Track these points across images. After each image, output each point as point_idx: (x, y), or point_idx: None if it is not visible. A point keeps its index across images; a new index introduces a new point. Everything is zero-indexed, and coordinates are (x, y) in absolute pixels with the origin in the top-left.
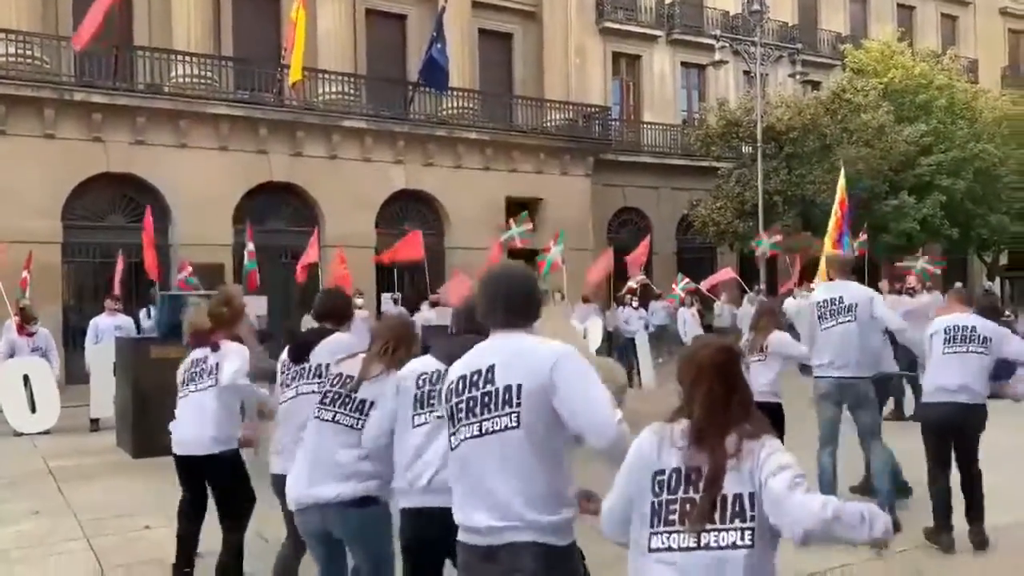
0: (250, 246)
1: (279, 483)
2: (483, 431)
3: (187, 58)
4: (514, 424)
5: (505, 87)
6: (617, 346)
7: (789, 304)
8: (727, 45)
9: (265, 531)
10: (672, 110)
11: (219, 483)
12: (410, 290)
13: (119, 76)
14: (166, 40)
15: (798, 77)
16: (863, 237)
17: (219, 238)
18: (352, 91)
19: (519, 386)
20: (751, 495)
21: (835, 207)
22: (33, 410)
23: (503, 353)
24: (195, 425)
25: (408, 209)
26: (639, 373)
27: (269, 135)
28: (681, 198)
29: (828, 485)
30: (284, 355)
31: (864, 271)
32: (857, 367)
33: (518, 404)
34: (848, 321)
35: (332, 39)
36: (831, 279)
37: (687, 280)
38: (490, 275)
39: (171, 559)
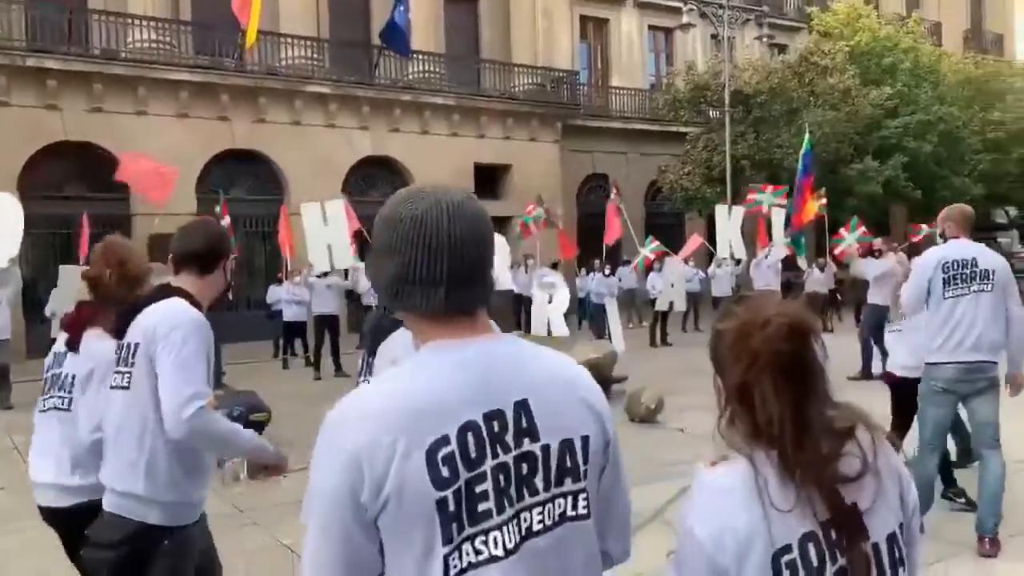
0: (226, 221)
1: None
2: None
3: (144, 22)
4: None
5: (472, 51)
6: (588, 312)
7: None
8: (695, 8)
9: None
10: (640, 74)
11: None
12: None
13: (73, 41)
14: (121, 4)
15: (765, 40)
16: (823, 201)
17: (182, 207)
18: (315, 55)
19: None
20: (901, 527)
21: (798, 177)
22: None
23: None
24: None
25: (374, 176)
26: (610, 339)
27: (230, 101)
28: (650, 164)
29: (928, 500)
30: None
31: (825, 233)
32: (990, 349)
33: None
34: (982, 290)
35: (294, 2)
36: (944, 236)
37: (656, 243)
38: None
39: None
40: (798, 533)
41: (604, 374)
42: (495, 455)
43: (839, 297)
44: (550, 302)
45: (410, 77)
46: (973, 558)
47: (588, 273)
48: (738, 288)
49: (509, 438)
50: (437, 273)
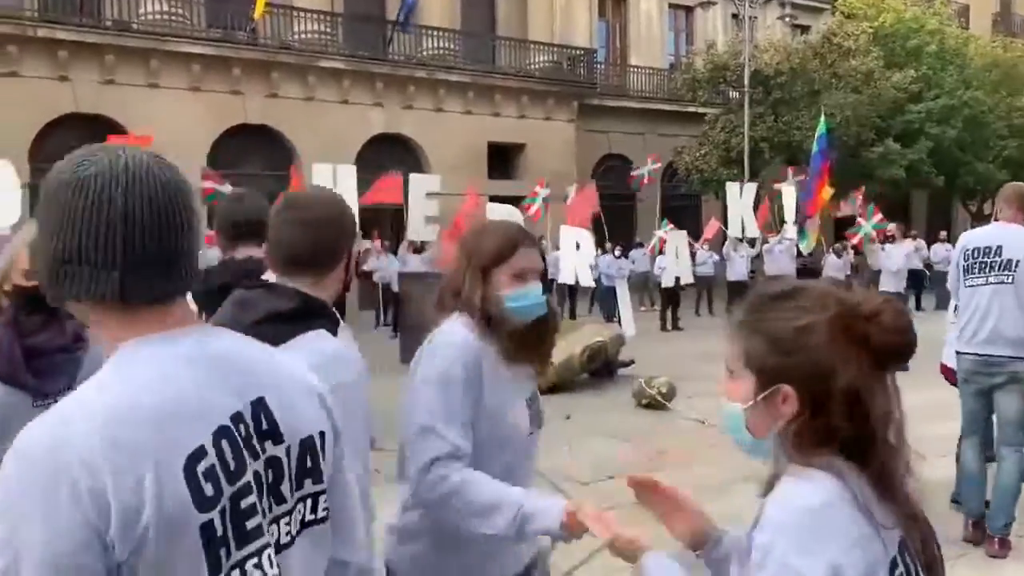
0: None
1: None
2: None
3: None
4: None
5: (487, 27)
6: (598, 295)
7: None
8: None
9: None
10: (659, 54)
11: None
12: (390, 235)
13: (85, 12)
14: None
15: (787, 20)
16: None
17: (193, 182)
18: (329, 30)
19: None
20: None
21: (814, 162)
22: None
23: None
24: None
25: (387, 153)
26: (620, 322)
27: (243, 75)
28: (667, 144)
29: (976, 490)
30: None
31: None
32: (1009, 343)
33: None
34: (1001, 281)
35: None
36: (995, 218)
37: (671, 226)
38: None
39: None
40: (895, 548)
41: (609, 357)
42: (253, 460)
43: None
44: (577, 250)
45: (425, 54)
46: (982, 558)
47: (602, 254)
48: (754, 273)
49: (255, 442)
50: (110, 253)
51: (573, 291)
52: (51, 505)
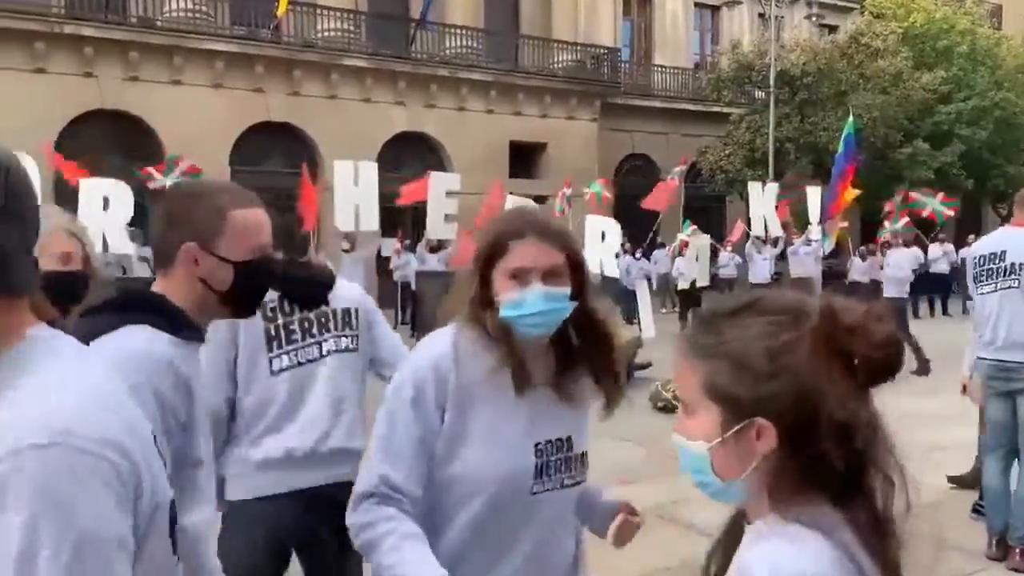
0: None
1: None
2: None
3: None
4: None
5: (511, 26)
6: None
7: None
8: None
9: None
10: (684, 53)
11: None
12: (413, 235)
13: (110, 9)
14: None
15: (814, 19)
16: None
17: (216, 178)
18: (352, 28)
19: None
20: None
21: (839, 162)
22: None
23: None
24: None
25: (409, 152)
26: (639, 324)
27: (266, 73)
28: (691, 145)
29: (999, 506)
30: None
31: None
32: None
33: None
34: (1010, 287)
35: None
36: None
37: (694, 228)
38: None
39: None
40: None
41: (626, 359)
42: None
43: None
44: (603, 240)
45: (447, 52)
46: (1002, 572)
47: (622, 255)
48: (779, 275)
49: None
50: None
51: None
52: (102, 490)
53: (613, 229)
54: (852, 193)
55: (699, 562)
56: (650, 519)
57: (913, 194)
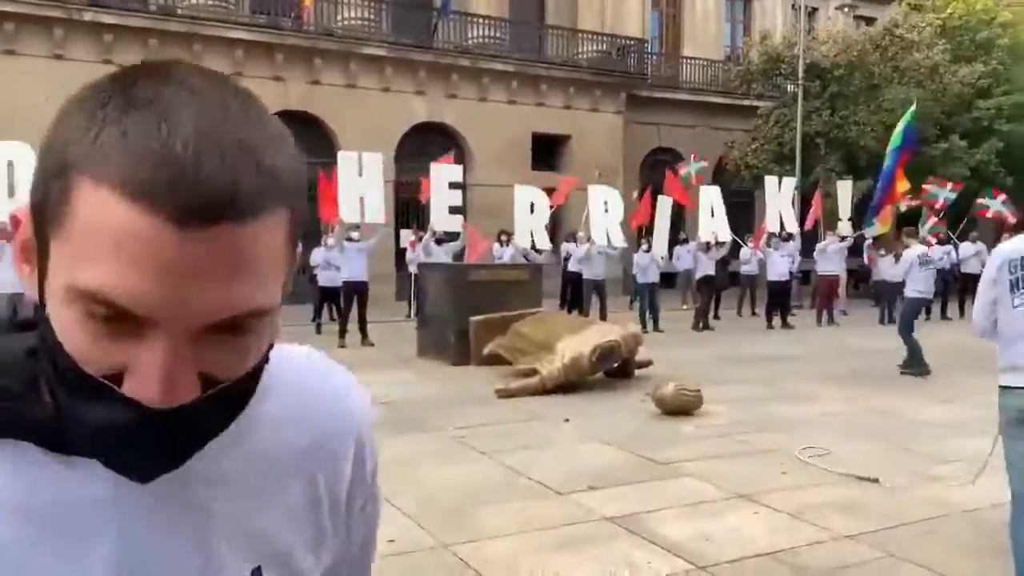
0: None
1: None
2: None
3: None
4: None
5: (536, 16)
6: (635, 292)
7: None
8: None
9: None
10: (715, 44)
11: None
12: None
13: None
14: None
15: (847, 11)
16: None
17: None
18: (373, 16)
19: None
20: None
21: (896, 149)
22: None
23: None
24: None
25: (429, 143)
26: (655, 321)
27: (285, 61)
28: (720, 139)
29: None
30: None
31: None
32: None
33: None
34: None
35: None
36: None
37: (704, 162)
38: None
39: None
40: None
41: (624, 357)
42: None
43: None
44: (606, 211)
45: (470, 42)
46: None
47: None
48: (804, 273)
49: None
50: None
51: (602, 287)
52: None
53: (615, 199)
54: (904, 185)
55: None
56: (611, 529)
57: (980, 199)
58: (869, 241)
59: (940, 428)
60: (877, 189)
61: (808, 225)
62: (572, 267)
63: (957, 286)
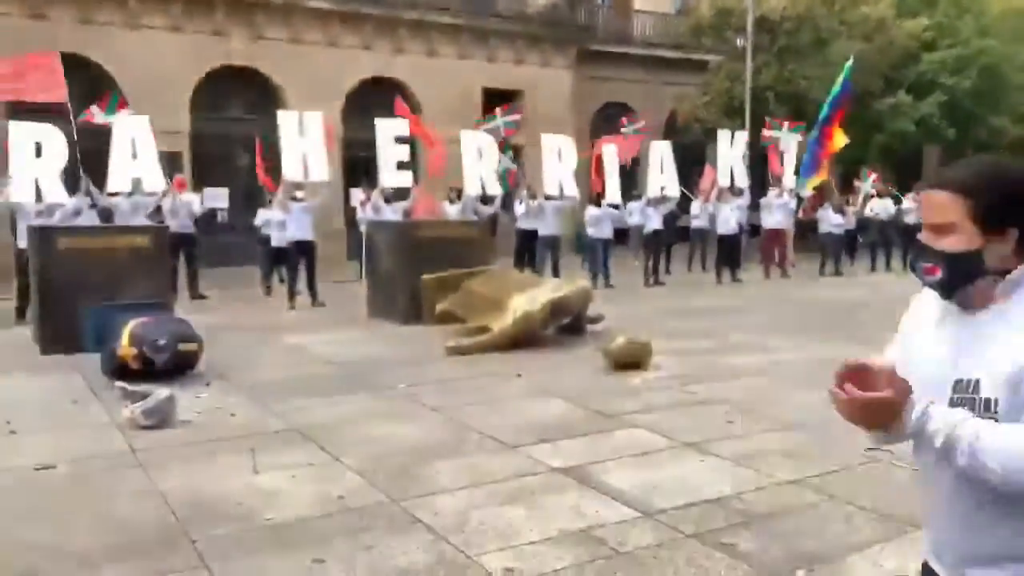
0: None
1: None
2: None
3: None
4: None
5: None
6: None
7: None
8: None
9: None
10: None
11: None
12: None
13: None
14: None
15: None
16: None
17: (175, 125)
18: None
19: None
20: None
21: (830, 103)
22: None
23: None
24: None
25: (377, 98)
26: (606, 276)
27: (227, 16)
28: (671, 93)
29: None
30: None
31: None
32: None
33: None
34: None
35: None
36: None
37: (640, 123)
38: None
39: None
40: None
41: (575, 312)
42: None
43: (859, 239)
44: (559, 160)
45: None
46: None
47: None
48: (753, 227)
49: None
50: None
51: (556, 242)
52: None
53: (568, 147)
54: (841, 139)
55: (601, 530)
56: (560, 480)
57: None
58: (809, 193)
59: None
60: (810, 142)
61: (777, 174)
62: (522, 224)
63: (901, 240)
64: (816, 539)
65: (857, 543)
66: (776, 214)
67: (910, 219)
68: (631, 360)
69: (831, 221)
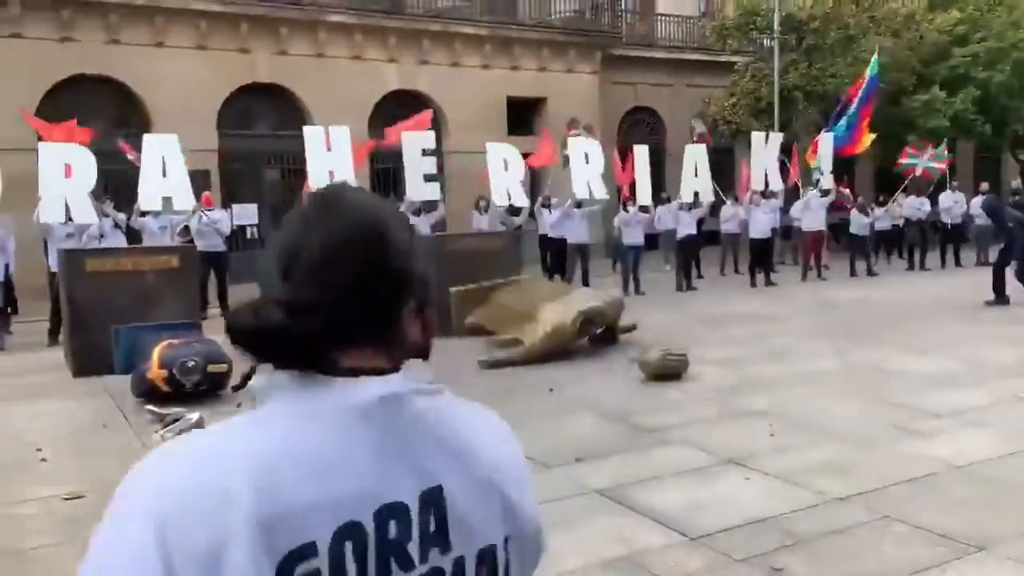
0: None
1: None
2: None
3: None
4: None
5: None
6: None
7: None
8: None
9: None
10: (689, 0)
11: None
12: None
13: None
14: None
15: None
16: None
17: (203, 143)
18: None
19: None
20: None
21: (858, 101)
22: None
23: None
24: None
25: (402, 111)
26: (636, 283)
27: (250, 33)
28: (697, 96)
29: None
30: None
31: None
32: None
33: None
34: None
35: None
36: None
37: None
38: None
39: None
40: None
41: (608, 323)
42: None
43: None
44: (587, 163)
45: (440, 5)
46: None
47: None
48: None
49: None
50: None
51: (585, 250)
52: None
53: (596, 150)
54: (869, 137)
55: (645, 556)
56: (599, 503)
57: (902, 160)
58: (846, 191)
59: (921, 381)
60: (840, 138)
61: (791, 181)
62: (550, 233)
63: (938, 237)
64: (872, 562)
65: (915, 565)
66: (816, 215)
67: (946, 218)
68: (667, 372)
69: (858, 223)
